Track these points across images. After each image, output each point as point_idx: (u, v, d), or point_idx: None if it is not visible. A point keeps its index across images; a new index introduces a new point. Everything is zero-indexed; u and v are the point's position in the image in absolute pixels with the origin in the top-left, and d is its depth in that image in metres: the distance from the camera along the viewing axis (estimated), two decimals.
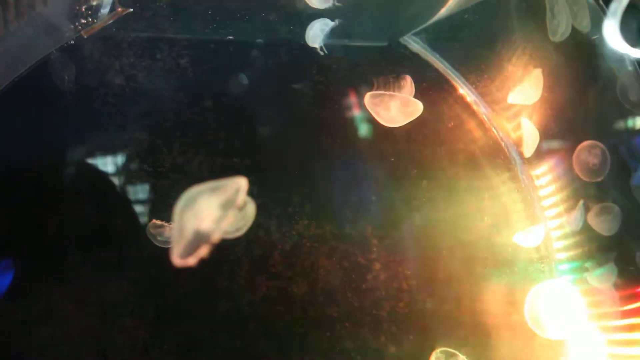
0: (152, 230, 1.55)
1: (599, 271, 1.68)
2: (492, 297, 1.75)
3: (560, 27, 1.57)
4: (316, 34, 1.71)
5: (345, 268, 1.71)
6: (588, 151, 1.66)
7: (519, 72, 1.73)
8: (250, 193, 1.66)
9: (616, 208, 1.65)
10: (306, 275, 1.69)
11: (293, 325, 1.69)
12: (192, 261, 0.89)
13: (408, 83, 1.67)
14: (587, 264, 1.72)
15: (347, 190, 1.79)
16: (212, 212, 0.91)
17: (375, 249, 1.74)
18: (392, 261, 1.74)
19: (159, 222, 1.54)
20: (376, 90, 1.65)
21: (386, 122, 1.68)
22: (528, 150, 1.79)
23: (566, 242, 1.81)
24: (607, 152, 1.65)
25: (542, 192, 1.85)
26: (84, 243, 1.61)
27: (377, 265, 1.73)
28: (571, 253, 1.79)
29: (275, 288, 1.67)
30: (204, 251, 0.88)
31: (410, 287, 1.74)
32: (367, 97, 1.66)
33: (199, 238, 0.90)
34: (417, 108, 1.65)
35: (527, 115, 1.77)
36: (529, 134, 1.77)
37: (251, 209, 1.34)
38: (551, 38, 1.59)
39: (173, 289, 1.63)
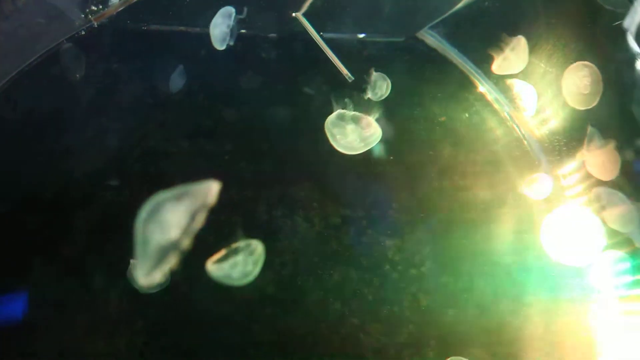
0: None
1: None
2: (516, 306, 1.64)
3: None
4: (223, 31, 1.54)
5: (363, 267, 1.63)
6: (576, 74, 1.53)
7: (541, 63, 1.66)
8: (264, 194, 1.61)
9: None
10: (319, 276, 1.61)
11: (303, 327, 1.60)
12: (158, 277, 0.82)
13: (382, 80, 1.62)
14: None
15: (364, 189, 1.73)
16: (179, 221, 0.83)
17: (393, 251, 1.66)
18: (411, 264, 1.65)
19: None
20: (340, 109, 1.57)
21: (343, 150, 1.60)
22: (529, 111, 1.72)
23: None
24: (597, 72, 1.51)
25: (568, 193, 1.76)
26: (77, 252, 1.55)
27: (396, 268, 1.65)
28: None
29: (285, 289, 1.59)
30: (171, 263, 0.81)
31: (430, 292, 1.64)
32: (328, 121, 1.57)
33: (165, 250, 0.82)
34: (376, 134, 1.59)
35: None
36: (524, 94, 1.70)
37: (259, 252, 1.26)
38: None
39: (172, 293, 1.55)
